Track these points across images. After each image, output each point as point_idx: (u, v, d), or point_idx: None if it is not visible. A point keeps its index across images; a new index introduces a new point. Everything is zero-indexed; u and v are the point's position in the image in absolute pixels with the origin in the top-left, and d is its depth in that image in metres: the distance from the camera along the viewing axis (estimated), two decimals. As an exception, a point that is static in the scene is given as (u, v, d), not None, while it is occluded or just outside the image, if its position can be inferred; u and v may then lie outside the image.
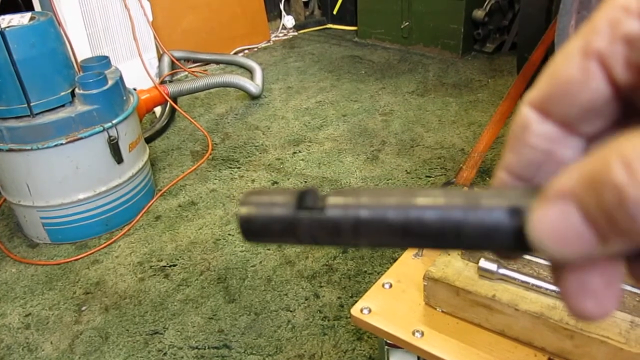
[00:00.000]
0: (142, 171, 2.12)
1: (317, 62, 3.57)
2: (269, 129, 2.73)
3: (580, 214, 0.17)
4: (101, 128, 1.88)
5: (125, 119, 1.96)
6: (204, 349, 1.52)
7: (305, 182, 2.26)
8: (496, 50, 3.44)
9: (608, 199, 0.16)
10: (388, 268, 0.90)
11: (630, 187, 0.16)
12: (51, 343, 1.58)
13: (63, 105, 1.87)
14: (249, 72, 3.25)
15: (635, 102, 0.19)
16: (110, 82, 1.92)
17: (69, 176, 1.89)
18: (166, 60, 3.26)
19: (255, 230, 0.22)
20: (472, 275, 0.77)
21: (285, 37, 4.12)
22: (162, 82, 3.07)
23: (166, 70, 3.23)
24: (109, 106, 1.91)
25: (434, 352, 0.75)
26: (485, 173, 2.15)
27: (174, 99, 2.77)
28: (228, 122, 2.82)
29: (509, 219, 0.19)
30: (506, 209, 0.19)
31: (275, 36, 4.11)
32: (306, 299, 1.66)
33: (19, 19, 1.80)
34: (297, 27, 4.23)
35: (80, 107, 1.87)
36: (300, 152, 2.49)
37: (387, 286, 0.86)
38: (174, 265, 1.85)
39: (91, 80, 1.87)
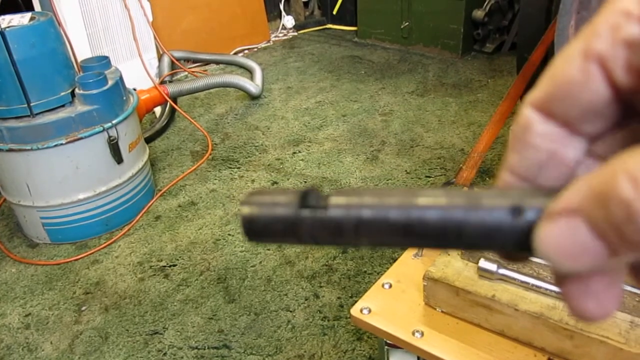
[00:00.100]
0: (142, 171, 2.12)
1: (316, 62, 3.57)
2: (268, 129, 2.73)
3: (589, 228, 0.17)
4: (101, 128, 1.88)
5: (125, 119, 1.96)
6: (204, 349, 1.52)
7: (305, 182, 2.26)
8: (496, 51, 3.44)
9: (616, 214, 0.16)
10: (388, 268, 0.90)
11: (638, 202, 0.16)
12: (51, 343, 1.58)
13: (63, 106, 1.87)
14: (249, 72, 3.25)
15: (636, 104, 0.19)
16: (110, 82, 1.92)
17: (69, 176, 1.89)
18: (166, 60, 3.26)
19: (257, 230, 0.22)
20: (471, 275, 0.77)
21: (285, 37, 4.12)
22: (162, 82, 3.07)
23: (166, 70, 3.23)
24: (109, 106, 1.91)
25: (433, 352, 0.75)
26: (485, 173, 2.15)
27: (174, 99, 2.77)
28: (228, 122, 2.82)
29: (510, 218, 0.19)
30: (507, 208, 0.19)
31: (275, 36, 4.11)
32: (306, 299, 1.66)
33: (19, 19, 1.80)
34: (297, 27, 4.23)
35: (80, 107, 1.87)
36: (300, 152, 2.49)
37: (386, 286, 0.86)
38: (174, 266, 1.85)
39: (91, 81, 1.87)
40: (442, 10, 3.40)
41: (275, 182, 2.28)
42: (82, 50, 2.70)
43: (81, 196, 1.93)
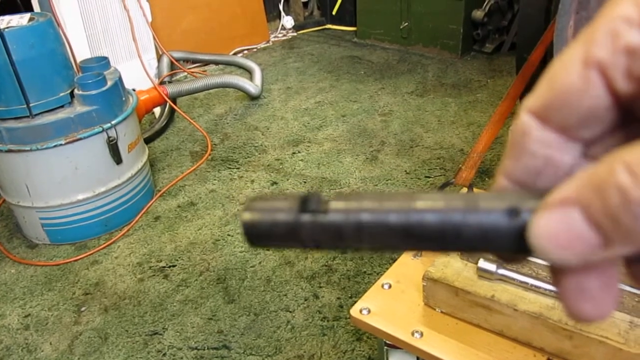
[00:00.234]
0: (142, 172, 2.12)
1: (316, 62, 3.57)
2: (268, 129, 2.73)
3: (584, 217, 0.18)
4: (100, 129, 1.88)
5: (124, 119, 1.96)
6: (204, 349, 1.52)
7: (305, 182, 2.26)
8: (495, 51, 3.44)
9: (613, 201, 0.17)
10: (387, 269, 0.91)
11: (633, 189, 0.16)
12: (50, 344, 1.58)
13: (62, 106, 1.87)
14: (248, 72, 3.25)
15: (634, 110, 0.19)
16: (109, 83, 1.92)
17: (68, 177, 1.89)
18: (165, 60, 3.26)
19: (259, 235, 0.22)
20: (471, 275, 0.77)
21: (285, 38, 4.12)
22: (162, 83, 3.07)
23: (165, 70, 3.23)
24: (108, 107, 1.91)
25: (433, 353, 0.75)
26: (484, 173, 2.15)
27: (173, 100, 2.77)
28: (227, 123, 2.82)
29: (507, 220, 0.20)
30: (504, 210, 0.20)
31: (275, 37, 4.11)
32: (305, 300, 1.66)
33: (18, 20, 1.80)
34: (296, 28, 4.23)
35: (79, 108, 1.87)
36: (299, 152, 2.49)
37: (386, 287, 0.86)
38: (174, 266, 1.85)
39: (90, 81, 1.87)
40: (442, 11, 3.40)
41: (275, 183, 2.28)
42: (81, 50, 2.70)
43: (80, 197, 1.93)
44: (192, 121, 2.77)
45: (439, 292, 0.78)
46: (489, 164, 2.20)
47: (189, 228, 2.03)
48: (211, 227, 2.02)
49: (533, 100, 0.20)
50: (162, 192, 2.25)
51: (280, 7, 4.18)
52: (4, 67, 1.72)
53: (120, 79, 2.00)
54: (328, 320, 1.57)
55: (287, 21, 4.20)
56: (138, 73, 3.05)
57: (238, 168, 2.40)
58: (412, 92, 3.02)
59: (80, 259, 1.91)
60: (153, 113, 2.86)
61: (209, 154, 2.51)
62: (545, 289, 0.72)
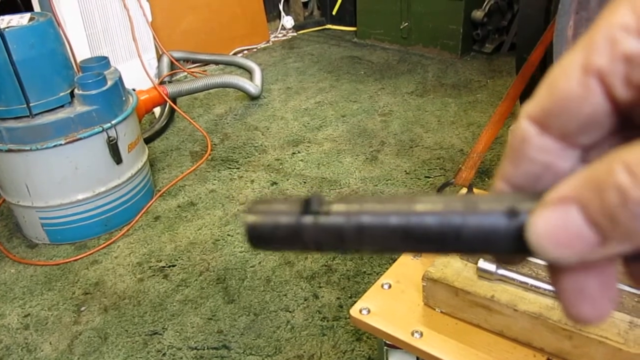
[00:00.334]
0: (142, 172, 2.12)
1: (316, 62, 3.57)
2: (268, 129, 2.73)
3: (583, 215, 0.18)
4: (100, 129, 1.88)
5: (124, 119, 1.96)
6: (203, 349, 1.52)
7: (305, 182, 2.26)
8: (495, 51, 3.44)
9: (612, 200, 0.17)
10: (387, 269, 0.91)
11: (632, 189, 0.16)
12: (50, 343, 1.58)
13: (62, 106, 1.87)
14: (248, 72, 3.25)
15: (633, 115, 0.19)
16: (109, 83, 1.92)
17: (68, 177, 1.89)
18: (165, 60, 3.26)
19: (261, 237, 0.23)
20: (471, 275, 0.77)
21: (285, 38, 4.12)
22: (162, 83, 3.07)
23: (165, 70, 3.23)
24: (108, 107, 1.91)
25: (433, 353, 0.75)
26: (484, 174, 2.15)
27: (173, 100, 2.77)
28: (227, 123, 2.82)
29: (506, 221, 0.20)
30: (503, 211, 0.20)
31: (275, 37, 4.11)
32: (305, 300, 1.66)
33: (18, 20, 1.80)
34: (296, 28, 4.23)
35: (79, 108, 1.87)
36: (299, 152, 2.49)
37: (386, 287, 0.86)
38: (173, 266, 1.85)
39: (90, 81, 1.87)
40: (442, 11, 3.40)
41: (275, 183, 2.28)
42: (81, 50, 2.70)
43: (80, 196, 1.93)
44: (192, 121, 2.77)
45: (439, 292, 0.78)
46: (489, 164, 2.20)
47: (189, 228, 2.03)
48: (211, 227, 2.03)
49: (532, 106, 0.20)
50: (162, 192, 2.25)
51: (280, 7, 4.18)
52: (4, 67, 1.72)
53: (120, 78, 2.00)
54: (328, 320, 1.57)
55: (287, 21, 4.20)
56: (138, 73, 3.05)
57: (238, 168, 2.40)
58: (412, 92, 3.02)
59: (80, 258, 1.91)
60: (153, 113, 2.86)
61: (209, 154, 2.51)
62: (545, 289, 0.72)
